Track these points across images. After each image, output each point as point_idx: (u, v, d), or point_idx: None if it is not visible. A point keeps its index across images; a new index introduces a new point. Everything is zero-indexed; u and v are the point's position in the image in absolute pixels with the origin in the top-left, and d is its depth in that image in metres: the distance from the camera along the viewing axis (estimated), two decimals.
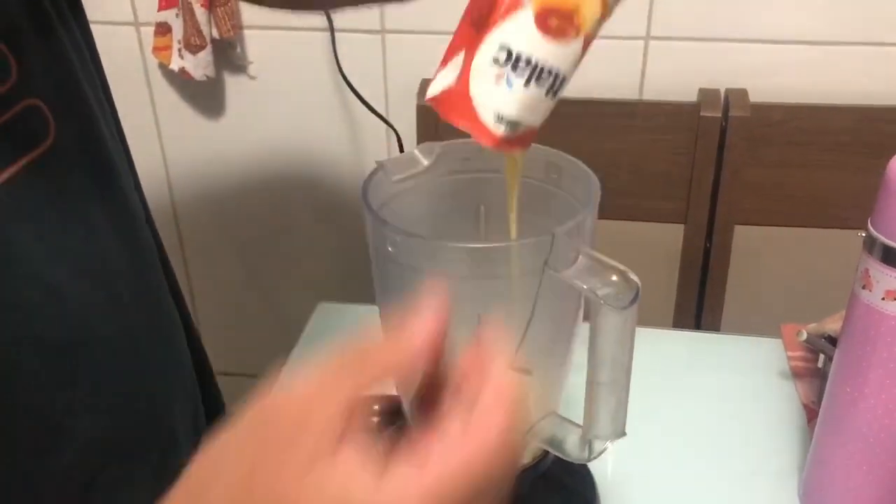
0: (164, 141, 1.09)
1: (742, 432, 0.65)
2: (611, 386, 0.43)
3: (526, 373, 0.46)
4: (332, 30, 0.94)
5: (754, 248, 1.02)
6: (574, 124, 0.98)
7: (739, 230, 1.00)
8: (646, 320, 0.84)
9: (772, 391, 0.69)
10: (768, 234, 1.01)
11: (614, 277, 0.41)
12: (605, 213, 1.07)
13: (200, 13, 0.93)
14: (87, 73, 0.52)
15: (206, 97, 1.05)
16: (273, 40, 1.00)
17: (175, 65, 0.98)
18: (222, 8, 0.94)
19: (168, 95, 1.06)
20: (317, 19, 0.95)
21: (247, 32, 1.00)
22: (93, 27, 1.05)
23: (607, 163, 0.99)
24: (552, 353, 0.47)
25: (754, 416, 0.66)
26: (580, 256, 0.43)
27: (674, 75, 0.98)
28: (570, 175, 0.50)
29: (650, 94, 0.99)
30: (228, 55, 1.01)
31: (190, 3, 0.92)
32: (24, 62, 0.44)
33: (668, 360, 0.72)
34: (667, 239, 1.02)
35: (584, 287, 0.41)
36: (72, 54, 0.50)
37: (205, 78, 0.98)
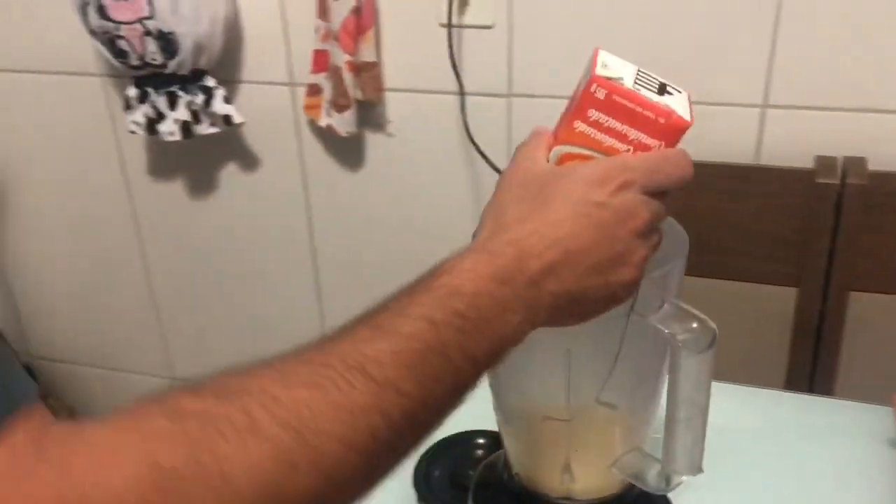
0: (309, 188, 1.21)
1: (847, 500, 0.65)
2: (687, 424, 0.47)
3: (612, 407, 0.51)
4: (462, 93, 1.04)
5: (869, 314, 1.01)
6: (687, 186, 1.02)
7: (854, 296, 1.00)
8: (757, 380, 0.87)
9: (883, 459, 0.69)
10: (884, 302, 1.00)
11: (694, 325, 0.46)
12: (717, 272, 1.10)
13: (348, 77, 1.04)
14: None
15: (348, 151, 1.17)
16: (411, 102, 1.10)
17: (323, 121, 1.10)
18: (367, 73, 1.05)
19: (315, 148, 1.18)
20: (450, 83, 1.05)
21: (388, 94, 1.11)
22: (253, 86, 1.20)
23: (720, 224, 1.03)
24: (637, 390, 0.52)
25: (862, 483, 0.67)
26: (665, 304, 0.48)
27: (790, 142, 1.00)
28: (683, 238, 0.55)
29: (766, 159, 1.02)
30: (370, 114, 1.12)
31: (339, 68, 1.04)
32: None
33: (777, 420, 0.74)
34: (780, 301, 1.04)
35: (666, 331, 0.46)
36: None
37: (348, 134, 1.09)
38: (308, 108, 1.12)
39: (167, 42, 1.03)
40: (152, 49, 1.04)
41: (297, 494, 0.36)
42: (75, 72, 1.23)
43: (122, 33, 1.03)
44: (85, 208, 1.36)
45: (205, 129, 1.12)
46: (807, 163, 0.98)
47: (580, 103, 0.48)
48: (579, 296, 0.45)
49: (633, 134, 0.48)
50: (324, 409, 0.37)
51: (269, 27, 1.12)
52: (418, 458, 0.67)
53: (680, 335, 0.45)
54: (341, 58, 1.04)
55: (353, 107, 1.07)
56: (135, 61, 1.06)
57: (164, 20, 1.01)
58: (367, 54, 1.05)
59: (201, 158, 1.24)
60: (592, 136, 0.48)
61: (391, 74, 1.09)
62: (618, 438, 0.54)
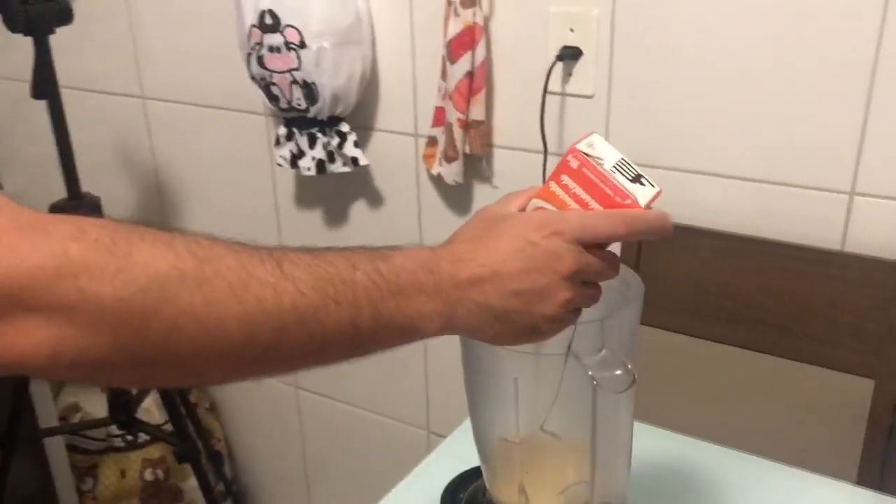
0: (423, 228, 1.34)
1: None
2: (608, 461, 0.53)
3: (555, 437, 0.58)
4: (545, 152, 1.12)
5: None
6: (769, 265, 1.04)
7: None
8: (828, 468, 0.88)
9: None
10: None
11: (619, 371, 0.52)
12: (794, 354, 1.10)
13: (457, 132, 1.16)
14: None
15: (458, 199, 1.28)
16: (513, 158, 1.20)
17: (435, 170, 1.22)
18: (475, 130, 1.17)
19: (430, 193, 1.30)
20: (550, 144, 1.13)
21: (495, 150, 1.21)
22: (383, 134, 1.34)
23: (800, 306, 1.03)
24: (581, 424, 0.58)
25: None
26: (604, 350, 0.54)
27: (877, 231, 0.99)
28: (636, 289, 0.61)
29: (852, 246, 1.02)
30: (477, 167, 1.23)
31: (451, 124, 1.16)
32: None
33: None
34: (856, 391, 1.02)
35: (590, 372, 0.52)
36: None
37: (455, 183, 1.21)
38: (426, 157, 1.25)
39: (310, 91, 1.20)
40: (298, 96, 1.22)
41: (178, 297, 0.45)
42: (245, 110, 1.44)
43: (274, 80, 1.21)
44: (238, 234, 1.57)
45: (337, 167, 1.28)
46: (892, 253, 0.97)
47: (558, 168, 0.57)
48: (501, 314, 0.52)
49: (593, 204, 0.55)
50: (230, 263, 0.46)
51: (401, 84, 1.26)
52: (446, 485, 0.76)
53: (599, 376, 0.51)
54: (454, 115, 1.16)
55: (460, 159, 1.18)
56: (283, 105, 1.24)
57: (309, 72, 1.19)
58: (476, 113, 1.16)
59: (336, 194, 1.40)
60: (560, 196, 0.56)
61: (498, 132, 1.20)
62: (568, 467, 0.60)
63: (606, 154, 0.57)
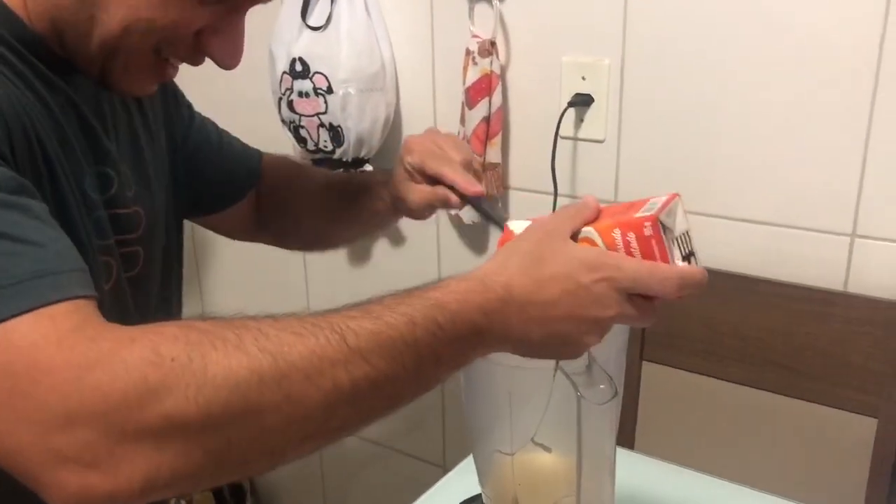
0: (441, 265, 1.39)
1: None
2: (593, 473, 0.56)
3: (546, 449, 0.62)
4: (555, 194, 1.17)
5: None
6: (771, 305, 1.07)
7: None
8: None
9: None
10: None
11: (602, 386, 0.56)
12: (798, 393, 1.13)
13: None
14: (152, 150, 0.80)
15: (475, 237, 1.33)
16: (528, 199, 1.25)
17: (453, 210, 1.28)
18: (491, 172, 1.22)
19: (450, 232, 1.36)
20: (562, 186, 1.18)
21: (511, 192, 1.26)
22: None
23: (803, 346, 1.05)
24: (568, 435, 0.62)
25: None
26: (592, 366, 0.58)
27: (879, 273, 1.02)
28: None
29: (854, 287, 1.04)
30: (494, 208, 1.28)
31: None
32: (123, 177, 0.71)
33: None
34: (859, 430, 1.03)
35: (577, 387, 0.56)
36: (143, 141, 0.77)
37: (472, 223, 1.26)
38: None
39: (336, 133, 1.27)
40: (325, 138, 1.28)
41: (261, 401, 0.46)
42: (277, 152, 1.51)
43: (303, 124, 1.29)
44: (265, 263, 1.63)
45: None
46: (894, 293, 0.99)
47: (629, 221, 0.58)
48: (537, 348, 0.56)
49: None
50: (300, 349, 0.47)
51: (422, 128, 1.31)
52: None
53: (586, 390, 0.55)
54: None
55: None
56: (311, 147, 1.31)
57: (335, 116, 1.26)
58: (493, 156, 1.22)
59: None
60: (617, 243, 0.59)
61: (514, 174, 1.25)
62: (559, 480, 0.63)
63: (678, 224, 0.59)
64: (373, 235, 1.44)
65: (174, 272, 0.86)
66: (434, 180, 0.83)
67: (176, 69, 0.70)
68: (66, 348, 0.45)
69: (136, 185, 0.75)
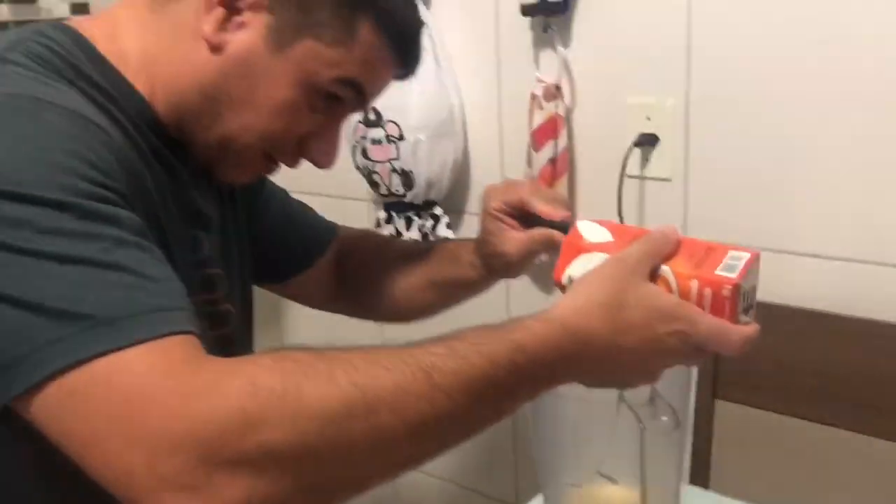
0: (510, 302, 1.41)
1: None
2: (660, 500, 0.57)
3: (612, 481, 0.63)
4: None
5: None
6: (850, 342, 1.05)
7: None
8: None
9: None
10: None
11: (665, 417, 0.57)
12: (875, 431, 1.10)
13: None
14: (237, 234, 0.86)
15: (539, 276, 1.35)
16: None
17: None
18: None
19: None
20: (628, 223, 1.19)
21: None
22: (473, 217, 1.43)
23: (882, 383, 1.03)
24: (633, 466, 0.63)
25: None
26: (656, 398, 0.60)
27: None
28: None
29: None
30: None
31: None
32: (212, 241, 0.77)
33: None
34: None
35: (640, 418, 0.57)
36: (229, 224, 0.83)
37: (539, 262, 1.28)
38: None
39: (407, 178, 1.32)
40: (396, 183, 1.33)
41: (351, 432, 0.49)
42: (350, 196, 1.57)
43: (376, 169, 1.34)
44: None
45: None
46: None
47: (709, 278, 0.61)
48: (604, 383, 0.59)
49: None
50: (387, 383, 0.50)
51: (490, 171, 1.36)
52: None
53: (646, 419, 0.57)
54: None
55: None
56: (383, 191, 1.36)
57: (406, 162, 1.30)
58: None
59: None
60: (691, 296, 0.61)
61: (580, 214, 1.26)
62: None
63: (751, 281, 0.61)
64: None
65: (249, 333, 0.91)
66: (527, 224, 0.84)
67: (278, 167, 0.76)
68: (173, 378, 0.49)
69: (222, 248, 0.81)
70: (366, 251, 1.04)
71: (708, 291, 0.59)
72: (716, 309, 0.58)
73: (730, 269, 0.60)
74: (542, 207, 0.81)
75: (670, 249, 0.62)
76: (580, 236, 0.67)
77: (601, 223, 0.69)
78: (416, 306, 1.01)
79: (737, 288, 0.58)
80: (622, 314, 0.58)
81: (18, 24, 1.81)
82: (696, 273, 0.60)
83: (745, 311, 0.60)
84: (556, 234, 0.79)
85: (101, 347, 0.49)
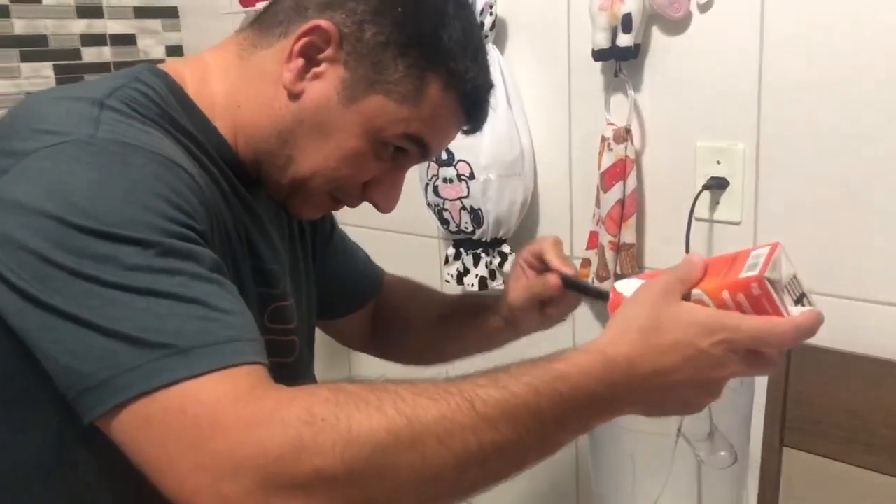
0: (576, 337, 1.42)
1: None
2: None
3: None
4: None
5: None
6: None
7: None
8: None
9: None
10: None
11: (723, 452, 0.58)
12: None
13: (609, 254, 1.26)
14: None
15: (605, 313, 1.35)
16: None
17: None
18: (625, 252, 1.26)
19: (583, 308, 1.38)
20: None
21: (646, 272, 1.29)
22: None
23: None
24: (690, 501, 0.63)
25: None
26: (715, 433, 0.60)
27: None
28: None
29: None
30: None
31: (603, 246, 1.26)
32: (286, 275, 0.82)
33: None
34: None
35: (697, 452, 0.58)
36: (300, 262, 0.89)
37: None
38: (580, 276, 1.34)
39: (476, 216, 1.35)
40: (466, 220, 1.37)
41: (397, 460, 0.51)
42: (421, 233, 1.61)
43: (446, 207, 1.38)
44: None
45: (498, 284, 1.41)
46: None
47: (737, 282, 0.61)
48: (658, 410, 0.60)
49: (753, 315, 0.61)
50: (433, 413, 0.53)
51: (558, 210, 1.39)
52: None
53: (702, 453, 0.57)
54: (606, 238, 1.25)
55: (611, 279, 1.27)
56: (453, 228, 1.40)
57: (476, 200, 1.34)
58: (627, 237, 1.25)
59: None
60: (728, 303, 0.62)
61: (648, 255, 1.28)
62: None
63: (784, 272, 0.61)
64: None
65: (311, 363, 0.96)
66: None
67: (342, 205, 0.82)
68: (240, 406, 0.53)
69: (292, 283, 0.86)
70: (406, 297, 1.10)
71: (741, 296, 0.59)
72: (757, 310, 0.58)
73: (752, 267, 0.60)
74: (555, 260, 0.88)
75: (698, 274, 0.63)
76: (620, 294, 0.68)
77: (639, 277, 0.70)
78: (446, 352, 1.07)
79: (763, 281, 0.57)
80: (660, 336, 0.59)
81: (119, 65, 1.93)
82: (724, 283, 0.60)
83: (799, 301, 0.59)
84: (553, 277, 0.87)
85: (177, 375, 0.54)
